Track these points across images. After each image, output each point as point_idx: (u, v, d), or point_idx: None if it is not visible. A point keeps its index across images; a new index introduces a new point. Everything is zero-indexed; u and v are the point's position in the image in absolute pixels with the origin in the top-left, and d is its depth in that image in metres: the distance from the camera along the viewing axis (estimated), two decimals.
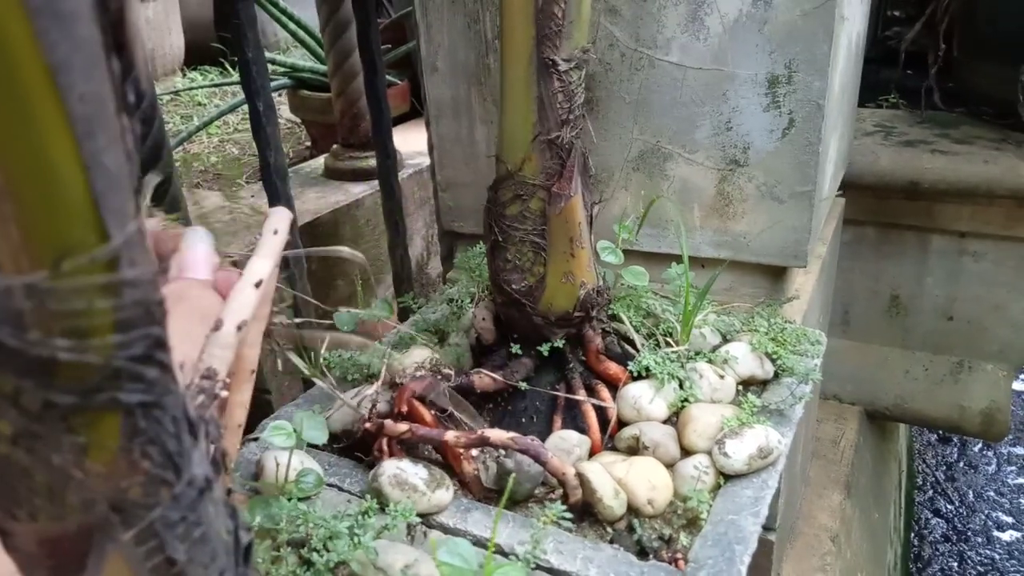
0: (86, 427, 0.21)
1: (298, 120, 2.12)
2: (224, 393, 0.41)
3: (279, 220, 0.52)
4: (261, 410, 0.86)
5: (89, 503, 0.22)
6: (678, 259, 0.74)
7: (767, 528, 0.96)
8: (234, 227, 1.30)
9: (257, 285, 0.46)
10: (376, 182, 1.17)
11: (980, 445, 2.70)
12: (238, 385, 0.51)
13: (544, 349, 0.69)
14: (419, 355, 0.69)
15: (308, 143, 2.07)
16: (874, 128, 1.47)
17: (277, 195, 0.93)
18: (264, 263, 0.47)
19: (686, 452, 0.63)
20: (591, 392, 0.68)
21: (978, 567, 2.27)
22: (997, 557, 2.30)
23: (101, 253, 0.18)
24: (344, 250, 0.61)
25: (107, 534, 0.23)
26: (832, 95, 0.76)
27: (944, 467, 2.65)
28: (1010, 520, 2.42)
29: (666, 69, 0.77)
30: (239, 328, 0.43)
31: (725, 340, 0.74)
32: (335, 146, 1.58)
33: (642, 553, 0.56)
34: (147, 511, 0.23)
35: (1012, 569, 2.25)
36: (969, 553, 2.31)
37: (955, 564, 2.29)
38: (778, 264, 0.81)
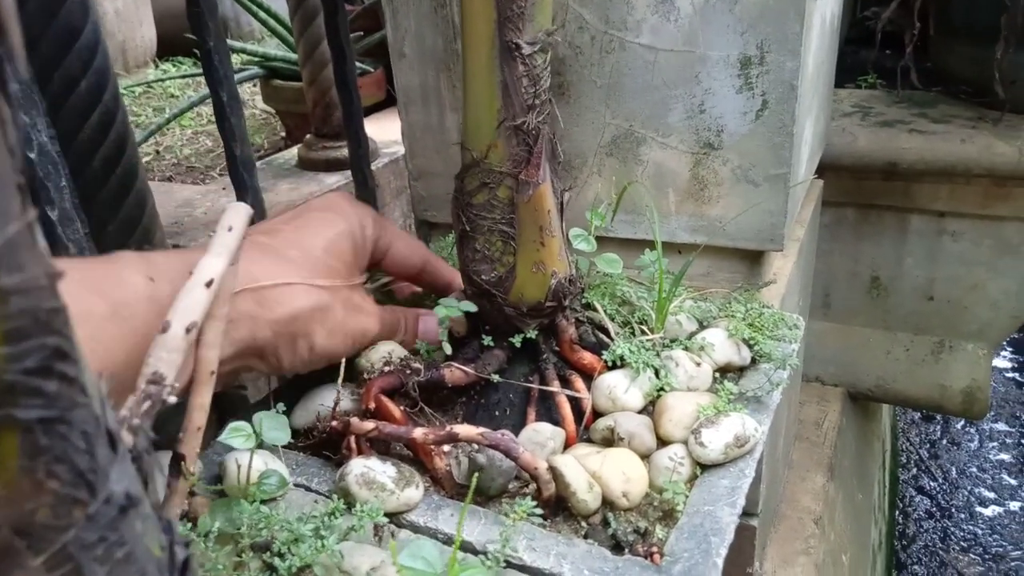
0: None
1: (272, 111, 2.09)
2: (172, 399, 0.39)
3: (235, 216, 0.50)
4: (237, 407, 0.84)
5: None
6: (653, 245, 0.73)
7: (749, 513, 0.95)
8: (205, 220, 1.27)
9: (208, 284, 0.44)
10: (350, 172, 1.15)
11: (962, 423, 2.72)
12: (197, 388, 0.49)
13: (516, 340, 0.67)
14: (386, 349, 0.67)
15: (283, 134, 2.04)
16: (852, 109, 1.47)
17: (244, 187, 0.90)
18: (216, 261, 0.45)
19: (662, 442, 0.62)
20: (565, 383, 0.67)
21: (961, 543, 2.30)
22: (980, 532, 2.32)
23: None
24: None
25: (13, 561, 0.21)
26: (806, 76, 0.75)
27: (928, 445, 2.68)
28: (992, 496, 2.44)
29: (637, 51, 0.75)
30: (188, 330, 0.41)
31: (702, 326, 0.73)
32: (308, 136, 1.55)
33: (617, 547, 0.55)
34: (58, 534, 0.22)
35: (994, 544, 2.28)
36: (952, 529, 2.34)
37: (939, 540, 2.31)
38: (755, 248, 0.80)
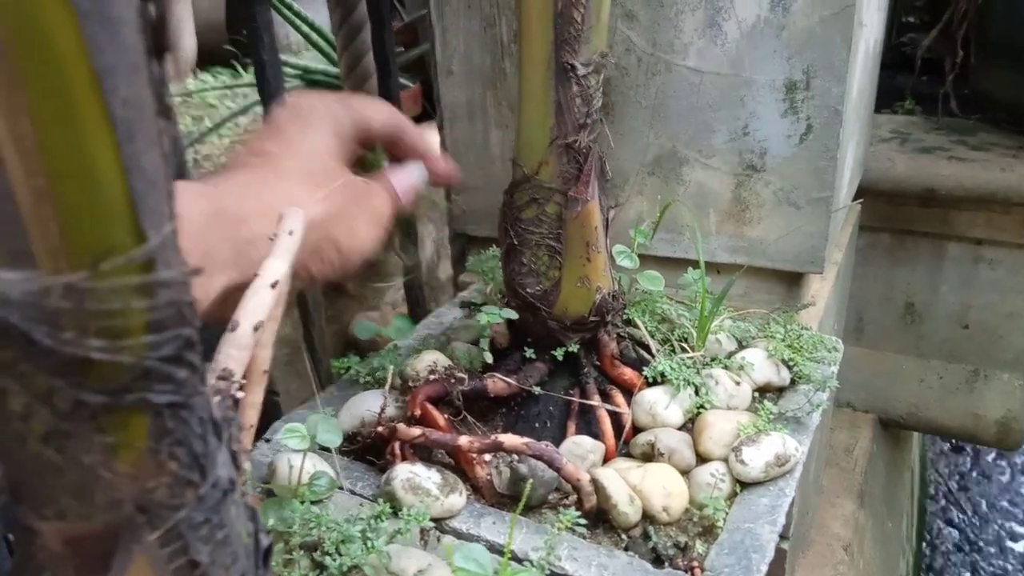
0: (116, 427, 0.21)
1: None
2: (240, 394, 0.41)
3: (294, 221, 0.52)
4: (270, 412, 0.86)
5: (116, 503, 0.22)
6: (694, 264, 0.74)
7: (781, 536, 0.95)
8: None
9: (273, 286, 0.46)
10: None
11: (993, 455, 2.67)
12: (251, 386, 0.51)
13: (558, 354, 0.69)
14: (431, 358, 0.68)
15: None
16: (890, 134, 1.47)
17: None
18: (279, 263, 0.47)
19: (702, 459, 0.63)
20: (605, 398, 0.68)
21: None
22: (1010, 568, 2.27)
23: (138, 254, 0.18)
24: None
25: (133, 535, 0.23)
26: (850, 101, 0.76)
27: (957, 476, 2.63)
28: (1023, 530, 2.39)
29: (683, 74, 0.77)
30: (255, 329, 0.43)
31: (741, 346, 0.74)
32: None
33: (657, 561, 0.55)
34: (172, 512, 0.23)
35: None
36: (982, 564, 2.29)
37: (967, 574, 2.27)
38: (794, 270, 0.81)
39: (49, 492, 0.21)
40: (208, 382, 0.43)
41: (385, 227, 0.62)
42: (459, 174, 0.68)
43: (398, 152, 0.68)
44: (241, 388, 0.45)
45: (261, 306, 0.46)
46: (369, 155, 0.67)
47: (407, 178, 0.65)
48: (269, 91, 0.88)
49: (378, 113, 0.65)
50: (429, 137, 0.71)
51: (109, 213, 0.17)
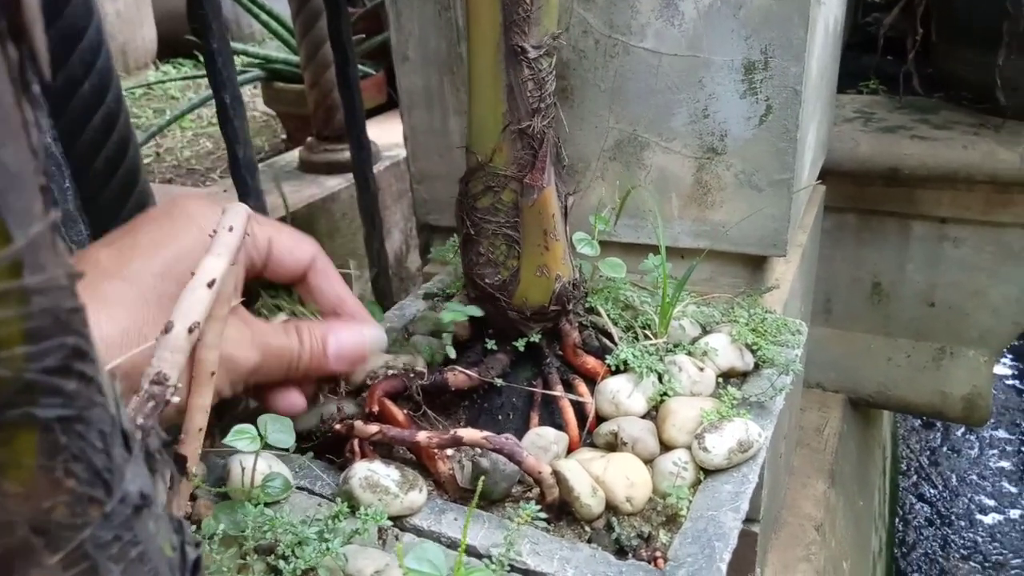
0: (0, 445, 0.19)
1: (273, 113, 2.09)
2: (176, 399, 0.39)
3: (234, 217, 0.50)
4: (225, 411, 0.83)
5: (7, 526, 0.21)
6: (657, 250, 0.73)
7: (751, 520, 0.95)
8: None
9: (210, 284, 0.44)
10: (351, 175, 1.15)
11: (963, 430, 2.72)
12: (197, 388, 0.49)
13: (520, 344, 0.67)
14: (390, 353, 0.67)
15: (284, 136, 2.05)
16: (854, 114, 1.47)
17: (247, 190, 0.91)
18: (217, 261, 0.45)
19: (666, 447, 0.62)
20: (568, 387, 0.67)
21: (961, 550, 2.30)
22: (980, 540, 2.32)
23: (1, 258, 0.17)
24: None
25: (29, 559, 0.21)
26: (809, 81, 0.75)
27: (928, 452, 2.68)
28: (992, 503, 2.44)
29: (641, 56, 0.75)
30: (191, 330, 0.41)
31: (705, 332, 0.73)
32: (309, 139, 1.55)
33: (621, 552, 0.55)
34: (75, 532, 0.22)
35: (994, 552, 2.28)
36: (952, 537, 2.34)
37: (939, 548, 2.31)
38: (758, 253, 0.80)
39: None
40: (141, 387, 0.41)
41: (236, 383, 0.51)
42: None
43: (314, 301, 0.59)
44: (178, 392, 0.43)
45: (197, 306, 0.44)
46: (283, 298, 0.58)
47: (350, 343, 0.55)
48: (220, 80, 0.86)
49: (285, 245, 0.55)
50: (352, 303, 0.60)
51: None
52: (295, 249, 0.56)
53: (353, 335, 0.55)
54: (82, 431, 0.21)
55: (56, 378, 0.19)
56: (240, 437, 0.51)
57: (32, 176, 0.17)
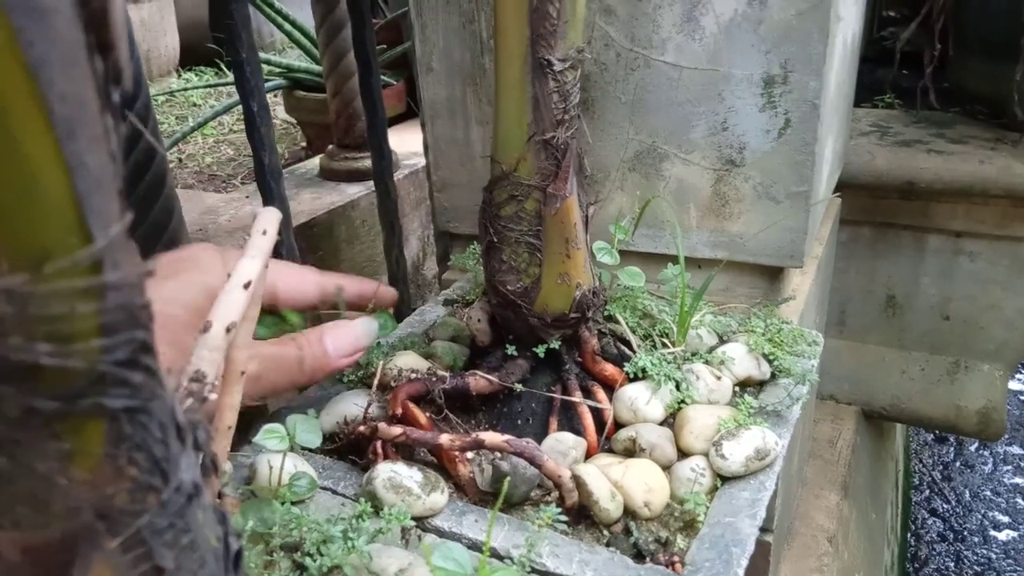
0: (70, 433, 0.21)
1: (294, 121, 2.12)
2: (213, 396, 0.40)
3: (268, 220, 0.51)
4: (257, 412, 0.85)
5: (74, 511, 0.22)
6: (675, 259, 0.74)
7: (764, 529, 0.95)
8: (229, 227, 1.29)
9: (246, 286, 0.45)
10: (372, 183, 1.17)
11: (976, 444, 2.70)
12: (227, 388, 0.50)
13: (540, 351, 0.68)
14: (413, 357, 0.68)
15: (304, 144, 2.07)
16: (870, 128, 1.47)
17: (271, 196, 0.92)
18: (252, 263, 0.46)
19: (683, 454, 0.63)
20: (587, 394, 0.68)
21: (974, 567, 2.28)
22: (993, 556, 2.30)
23: (83, 256, 0.18)
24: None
25: (93, 542, 0.22)
26: (828, 95, 0.76)
27: (941, 467, 2.66)
28: (1006, 520, 2.42)
29: (662, 69, 0.77)
30: (228, 330, 0.43)
31: (722, 341, 0.74)
32: (330, 147, 1.57)
33: (639, 556, 0.55)
34: (134, 518, 0.23)
35: (1008, 568, 2.26)
36: (966, 553, 2.32)
37: (951, 564, 2.29)
38: (775, 264, 0.81)
39: (3, 501, 0.21)
40: (181, 384, 0.42)
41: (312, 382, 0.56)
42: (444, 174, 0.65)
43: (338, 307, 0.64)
44: (215, 390, 0.44)
45: (234, 307, 0.45)
46: (290, 319, 0.63)
47: (345, 337, 0.59)
48: (248, 89, 0.88)
49: (290, 280, 0.60)
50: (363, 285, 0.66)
51: (50, 214, 0.16)
52: (302, 287, 0.61)
53: (345, 329, 0.59)
54: (145, 422, 0.22)
55: (125, 370, 0.20)
56: (270, 436, 0.52)
57: (111, 180, 0.19)
